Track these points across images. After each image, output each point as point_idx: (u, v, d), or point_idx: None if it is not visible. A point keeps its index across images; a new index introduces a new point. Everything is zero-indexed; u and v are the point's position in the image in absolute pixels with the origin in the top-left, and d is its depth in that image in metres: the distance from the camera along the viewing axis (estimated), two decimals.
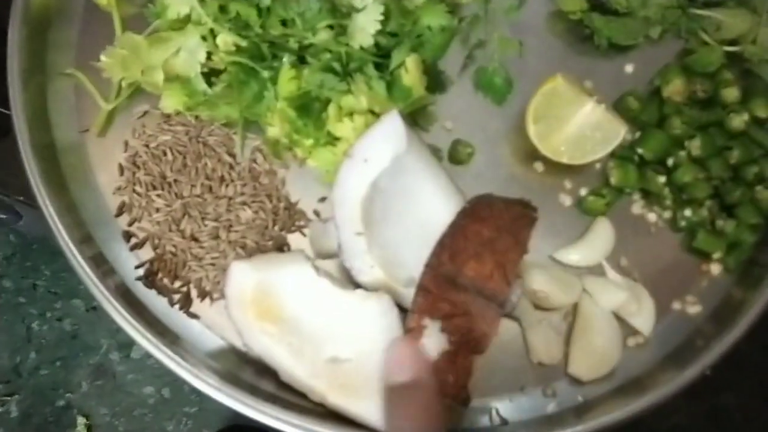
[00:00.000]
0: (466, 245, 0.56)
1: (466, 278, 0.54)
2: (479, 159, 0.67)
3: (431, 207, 0.60)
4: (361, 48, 0.60)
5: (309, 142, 0.61)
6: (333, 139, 0.61)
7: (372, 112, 0.60)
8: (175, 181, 0.63)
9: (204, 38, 0.61)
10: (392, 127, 0.55)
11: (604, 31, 0.67)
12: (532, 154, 0.65)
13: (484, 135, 0.68)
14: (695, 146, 0.65)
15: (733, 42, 0.69)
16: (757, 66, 0.69)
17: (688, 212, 0.65)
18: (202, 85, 0.63)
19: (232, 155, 0.64)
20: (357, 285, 0.59)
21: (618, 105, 0.68)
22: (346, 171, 0.56)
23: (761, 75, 0.69)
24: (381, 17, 0.60)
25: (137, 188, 0.63)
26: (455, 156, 0.67)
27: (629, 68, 0.69)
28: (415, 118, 0.67)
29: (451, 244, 0.56)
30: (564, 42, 0.70)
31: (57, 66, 0.68)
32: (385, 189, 0.57)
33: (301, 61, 0.62)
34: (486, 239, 0.56)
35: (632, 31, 0.68)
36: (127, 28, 0.66)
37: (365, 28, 0.60)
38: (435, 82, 0.67)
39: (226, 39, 0.60)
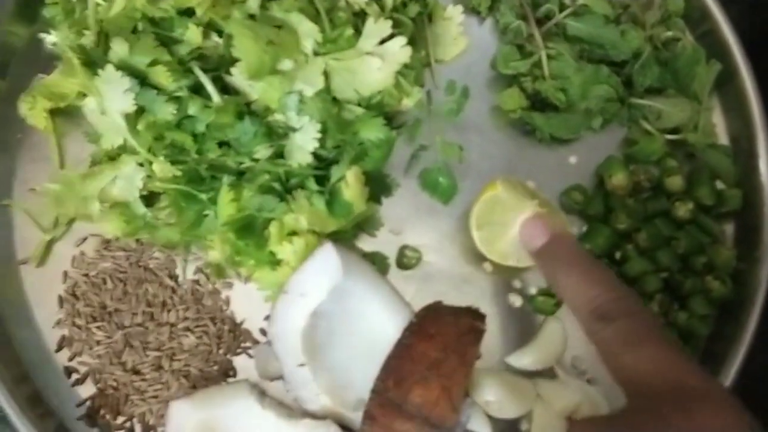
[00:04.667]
0: (413, 368, 0.55)
1: (413, 405, 0.53)
2: (428, 261, 0.67)
3: (377, 324, 0.59)
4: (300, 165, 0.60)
5: (251, 262, 0.60)
6: (276, 260, 0.60)
7: (314, 231, 0.60)
8: (116, 310, 0.61)
9: (141, 164, 0.61)
10: (327, 259, 0.55)
11: (545, 128, 0.67)
12: (480, 255, 0.65)
13: (432, 236, 0.68)
14: (642, 239, 0.65)
15: (674, 130, 0.69)
16: (701, 152, 0.69)
17: None
18: (141, 209, 0.61)
19: (174, 278, 0.63)
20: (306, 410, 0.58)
21: (563, 199, 0.68)
22: (283, 306, 0.55)
23: (706, 160, 0.69)
24: (318, 135, 0.60)
25: (77, 320, 0.61)
26: (403, 263, 0.66)
27: (573, 159, 0.70)
28: (362, 225, 0.66)
29: (396, 367, 0.55)
30: (507, 137, 0.70)
31: None
32: (327, 314, 0.56)
33: (241, 177, 0.62)
34: (432, 361, 0.55)
35: (573, 125, 0.68)
36: (67, 148, 0.66)
37: (303, 146, 0.60)
38: (380, 186, 0.67)
39: (162, 166, 0.60)
